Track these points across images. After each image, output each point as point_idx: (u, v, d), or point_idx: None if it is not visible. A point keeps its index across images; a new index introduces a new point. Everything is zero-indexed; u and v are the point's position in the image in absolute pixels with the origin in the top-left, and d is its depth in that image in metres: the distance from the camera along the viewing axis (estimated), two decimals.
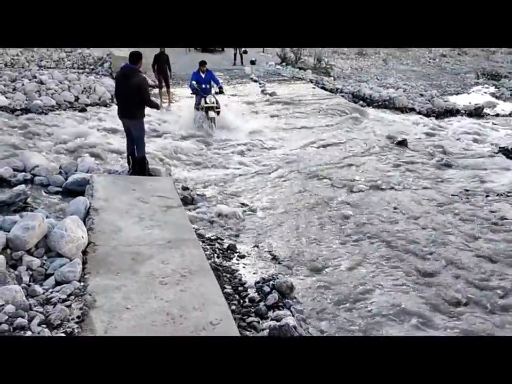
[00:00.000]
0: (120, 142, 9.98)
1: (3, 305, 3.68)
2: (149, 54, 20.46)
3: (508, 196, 8.54)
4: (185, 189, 8.22)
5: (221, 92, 12.77)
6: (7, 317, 3.59)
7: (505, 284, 5.75)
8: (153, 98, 15.44)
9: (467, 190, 8.76)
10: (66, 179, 7.62)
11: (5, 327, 3.50)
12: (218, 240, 6.66)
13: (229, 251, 6.40)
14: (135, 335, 3.58)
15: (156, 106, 8.13)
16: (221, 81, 13.63)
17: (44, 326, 3.58)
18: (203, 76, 12.48)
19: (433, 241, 6.79)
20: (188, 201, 7.71)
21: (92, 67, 20.32)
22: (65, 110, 13.09)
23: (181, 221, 5.87)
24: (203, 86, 12.35)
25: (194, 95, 12.70)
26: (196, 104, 12.61)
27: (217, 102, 12.24)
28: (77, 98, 14.04)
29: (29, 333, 3.44)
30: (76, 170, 8.00)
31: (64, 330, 3.55)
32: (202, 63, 12.58)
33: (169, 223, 5.69)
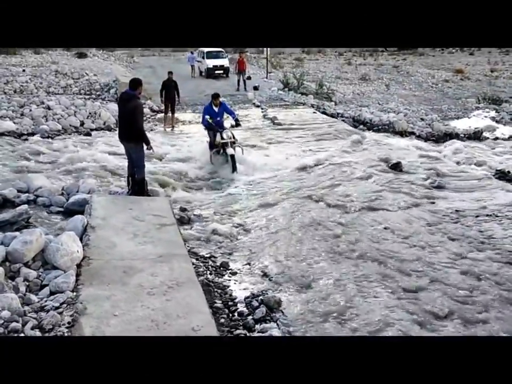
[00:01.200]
0: (118, 164, 10.36)
1: None
2: (156, 79, 21.07)
3: (497, 216, 8.74)
4: (183, 209, 8.50)
5: (237, 124, 11.75)
6: (2, 321, 3.88)
7: (487, 298, 5.95)
8: (156, 123, 16.13)
9: (458, 211, 8.96)
10: (67, 200, 7.92)
11: (0, 330, 3.79)
12: (212, 258, 6.90)
13: (221, 268, 6.63)
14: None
15: (146, 141, 8.19)
16: (236, 112, 12.82)
17: (37, 329, 3.85)
18: (216, 109, 11.36)
19: (420, 259, 7.00)
20: (184, 221, 7.98)
21: (98, 93, 20.90)
22: (70, 134, 13.54)
23: (173, 238, 6.14)
24: (217, 119, 11.26)
25: (207, 131, 11.62)
26: (209, 141, 11.56)
27: (234, 137, 11.22)
28: (82, 123, 14.55)
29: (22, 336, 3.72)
30: (77, 191, 8.30)
31: (55, 334, 3.82)
32: (216, 96, 11.44)
33: (162, 240, 5.96)
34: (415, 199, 9.57)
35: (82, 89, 21.54)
